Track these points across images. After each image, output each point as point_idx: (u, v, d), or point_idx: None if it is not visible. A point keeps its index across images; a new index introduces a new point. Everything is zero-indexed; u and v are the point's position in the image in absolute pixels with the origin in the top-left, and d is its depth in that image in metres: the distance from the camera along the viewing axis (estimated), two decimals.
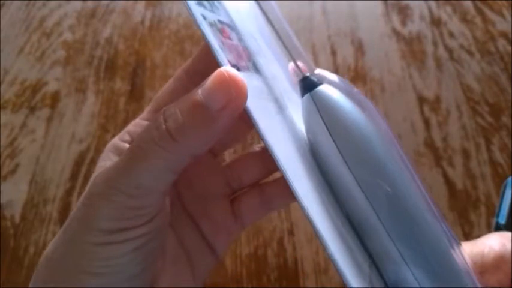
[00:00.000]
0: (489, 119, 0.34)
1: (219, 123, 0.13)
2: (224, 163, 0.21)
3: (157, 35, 0.41)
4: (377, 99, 0.36)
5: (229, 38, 0.16)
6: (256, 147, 0.21)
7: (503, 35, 0.39)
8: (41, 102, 0.37)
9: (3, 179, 0.33)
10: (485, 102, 0.35)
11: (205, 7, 0.15)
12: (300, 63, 0.17)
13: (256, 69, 0.17)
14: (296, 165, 0.14)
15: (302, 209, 0.13)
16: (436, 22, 0.41)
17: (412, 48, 0.39)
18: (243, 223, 0.20)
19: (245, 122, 0.15)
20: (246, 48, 0.17)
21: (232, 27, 0.17)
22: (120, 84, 0.37)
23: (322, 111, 0.15)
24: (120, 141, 0.17)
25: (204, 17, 0.15)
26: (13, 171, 0.33)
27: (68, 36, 0.41)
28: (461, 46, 0.39)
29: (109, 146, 0.17)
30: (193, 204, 0.19)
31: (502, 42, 0.39)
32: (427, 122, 0.34)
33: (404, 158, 0.15)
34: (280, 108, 0.17)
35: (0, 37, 0.41)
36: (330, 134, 0.15)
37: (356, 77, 0.37)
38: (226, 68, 0.13)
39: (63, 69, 0.39)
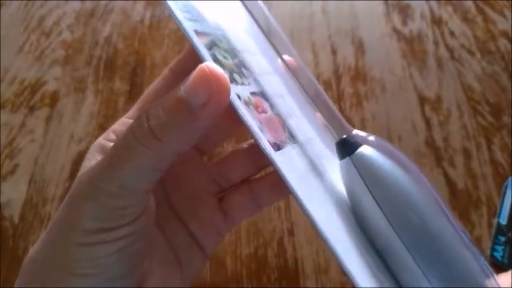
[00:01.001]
0: (490, 118, 0.34)
1: (202, 119, 0.13)
2: (212, 161, 0.21)
3: (157, 35, 0.41)
4: (377, 99, 0.36)
5: (264, 111, 0.16)
6: (244, 144, 0.21)
7: (504, 34, 0.39)
8: (40, 102, 0.36)
9: (3, 179, 0.32)
10: (486, 101, 0.35)
11: (237, 82, 0.15)
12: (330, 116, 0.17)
13: (292, 137, 0.17)
14: (337, 230, 0.14)
15: (347, 275, 0.13)
16: (436, 21, 0.41)
17: (412, 48, 0.39)
18: (233, 221, 0.20)
19: (231, 120, 0.15)
20: (278, 115, 0.17)
21: (263, 92, 0.17)
22: (120, 84, 0.37)
23: (363, 175, 0.15)
24: (106, 140, 0.17)
25: (239, 97, 0.15)
26: (12, 171, 0.33)
27: (67, 35, 0.41)
28: (462, 46, 0.39)
29: (94, 145, 0.17)
30: (181, 204, 0.19)
31: (503, 42, 0.39)
32: (427, 122, 0.34)
33: (448, 214, 0.15)
34: (317, 171, 0.17)
35: None
36: (374, 198, 0.15)
37: (356, 76, 0.37)
38: (207, 63, 0.13)
39: (62, 69, 0.39)
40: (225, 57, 0.16)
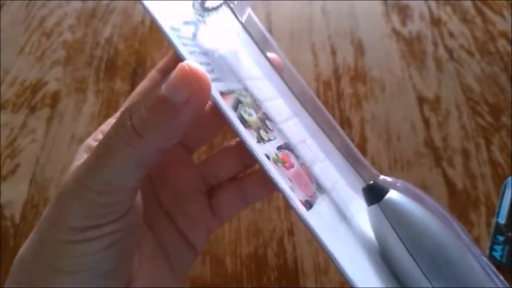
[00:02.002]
0: (489, 119, 0.34)
1: (183, 117, 0.13)
2: (200, 159, 0.21)
3: (158, 35, 0.41)
4: (377, 99, 0.36)
5: (291, 166, 0.16)
6: (232, 142, 0.21)
7: (503, 35, 0.39)
8: (41, 102, 0.37)
9: (3, 179, 0.33)
10: (485, 102, 0.35)
11: (263, 140, 0.16)
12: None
13: (319, 187, 0.17)
14: (365, 274, 0.15)
15: None
16: (436, 22, 0.41)
17: (412, 48, 0.39)
18: (222, 218, 0.20)
19: (218, 117, 0.15)
20: (304, 165, 0.17)
21: (287, 143, 0.18)
22: (120, 84, 0.38)
23: (392, 221, 0.15)
24: (94, 141, 0.17)
25: (268, 157, 0.15)
26: (13, 171, 0.33)
27: (68, 36, 0.41)
28: (461, 46, 0.39)
29: (83, 146, 0.17)
30: (169, 201, 0.19)
31: (502, 42, 0.39)
32: (427, 122, 0.34)
33: (476, 254, 0.16)
34: (345, 217, 0.17)
35: (0, 37, 0.41)
36: (403, 243, 0.15)
37: (356, 76, 0.37)
38: (188, 62, 0.13)
39: (63, 69, 0.39)
40: (250, 114, 0.16)
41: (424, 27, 0.40)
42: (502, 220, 0.29)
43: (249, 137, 0.15)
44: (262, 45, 0.19)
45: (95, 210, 0.14)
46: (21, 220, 0.31)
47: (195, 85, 0.13)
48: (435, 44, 0.39)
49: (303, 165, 0.17)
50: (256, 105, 0.17)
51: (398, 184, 0.17)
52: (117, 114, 0.18)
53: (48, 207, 0.15)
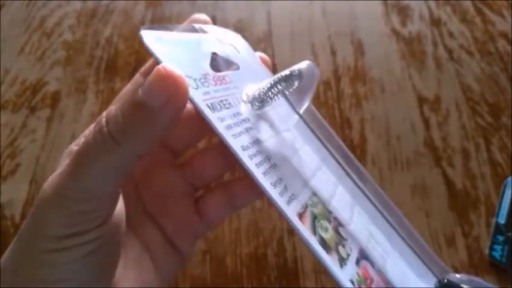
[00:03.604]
0: (489, 119, 0.34)
1: (161, 121, 0.13)
2: (182, 160, 0.21)
3: None
4: (377, 99, 0.36)
5: (371, 280, 0.17)
6: (215, 142, 0.21)
7: (503, 35, 0.39)
8: (41, 102, 0.37)
9: (4, 179, 0.33)
10: (485, 102, 0.35)
11: (344, 260, 0.16)
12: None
13: None
14: None
15: None
16: (435, 22, 0.41)
17: (411, 49, 0.39)
18: (209, 222, 0.20)
19: (202, 121, 0.15)
20: (380, 271, 0.18)
21: (362, 250, 0.18)
22: (121, 85, 0.38)
23: None
24: (76, 146, 0.16)
25: (353, 282, 0.15)
26: (13, 171, 0.33)
27: (68, 36, 0.41)
28: (461, 46, 0.39)
29: (66, 151, 0.17)
30: (155, 206, 0.19)
31: (501, 43, 0.39)
32: (426, 122, 0.35)
33: None
34: None
35: (0, 37, 0.41)
36: None
37: (356, 77, 0.37)
38: (164, 65, 0.13)
39: (63, 69, 0.39)
40: (326, 229, 0.16)
41: (424, 28, 0.40)
42: (502, 220, 0.29)
43: (334, 267, 0.15)
44: (315, 129, 0.19)
45: (75, 218, 0.14)
46: (21, 220, 0.31)
47: (172, 88, 0.13)
48: (435, 44, 0.39)
49: (378, 271, 0.18)
50: (327, 210, 0.17)
51: (468, 279, 0.17)
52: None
53: (28, 216, 0.14)
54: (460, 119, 0.35)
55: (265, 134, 0.17)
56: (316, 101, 0.36)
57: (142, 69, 0.19)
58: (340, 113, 0.35)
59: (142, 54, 0.39)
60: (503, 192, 0.30)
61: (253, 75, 0.19)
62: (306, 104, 0.18)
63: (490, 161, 0.32)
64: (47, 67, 0.39)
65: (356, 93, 0.36)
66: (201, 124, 0.18)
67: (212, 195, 0.20)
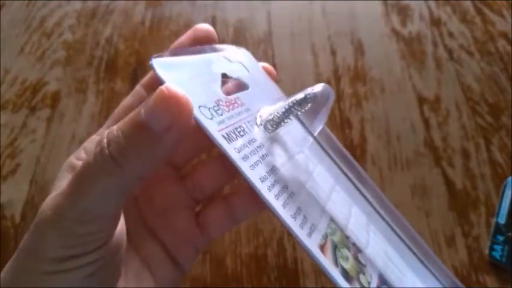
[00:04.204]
0: (489, 119, 0.34)
1: (164, 144, 0.13)
2: (183, 172, 0.20)
3: (158, 36, 0.41)
4: (377, 99, 0.36)
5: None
6: (215, 154, 0.20)
7: (503, 35, 0.39)
8: (41, 102, 0.37)
9: (4, 179, 0.33)
10: (485, 102, 0.35)
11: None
12: None
13: None
14: None
15: None
16: (435, 22, 0.41)
17: (411, 49, 0.39)
18: (210, 235, 0.20)
19: (203, 134, 0.14)
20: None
21: (381, 276, 0.18)
22: (121, 85, 0.38)
23: None
24: (76, 159, 0.16)
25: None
26: (13, 171, 0.33)
27: (68, 36, 0.41)
28: (461, 46, 0.39)
29: (65, 164, 0.16)
30: (155, 220, 0.19)
31: (501, 43, 0.39)
32: (426, 122, 0.35)
33: None
34: None
35: (0, 37, 0.41)
36: None
37: (356, 77, 0.37)
38: (167, 85, 0.13)
39: (63, 70, 0.39)
40: (346, 258, 0.16)
41: (424, 28, 0.40)
42: (502, 220, 0.29)
43: None
44: (324, 145, 0.19)
45: (74, 240, 0.13)
46: (21, 220, 0.31)
47: (176, 111, 0.12)
48: (435, 44, 0.39)
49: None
50: (345, 236, 0.17)
51: None
52: (101, 131, 0.18)
53: (26, 236, 0.14)
54: (460, 119, 0.35)
55: (280, 158, 0.17)
56: None
57: (144, 80, 0.18)
58: (340, 113, 0.35)
59: (143, 54, 0.39)
60: (503, 192, 0.30)
61: (262, 93, 0.19)
62: (320, 127, 0.18)
63: (490, 161, 0.32)
64: (47, 67, 0.39)
65: (356, 93, 0.36)
66: (202, 137, 0.18)
67: (213, 208, 0.20)
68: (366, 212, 0.20)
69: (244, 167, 0.14)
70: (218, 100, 0.16)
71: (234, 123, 0.16)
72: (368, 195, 0.19)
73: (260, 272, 0.28)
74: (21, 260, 0.14)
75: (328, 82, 0.37)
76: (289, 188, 0.16)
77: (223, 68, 0.18)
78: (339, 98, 0.36)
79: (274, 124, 0.17)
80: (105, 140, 0.13)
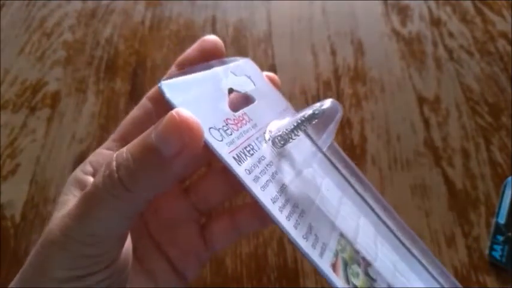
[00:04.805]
0: (489, 119, 0.34)
1: (174, 169, 0.13)
2: (187, 185, 0.20)
3: (158, 36, 0.41)
4: (377, 99, 0.36)
5: None
6: (219, 166, 0.20)
7: (503, 35, 0.39)
8: (41, 102, 0.37)
9: (4, 179, 0.33)
10: (485, 102, 0.35)
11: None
12: None
13: None
14: None
15: None
16: (435, 22, 0.41)
17: (411, 49, 0.39)
18: (214, 248, 0.20)
19: (208, 149, 0.15)
20: None
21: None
22: (121, 85, 0.38)
23: None
24: (82, 173, 0.16)
25: None
26: (13, 171, 0.33)
27: (68, 36, 0.41)
28: (461, 46, 0.39)
29: (71, 178, 0.16)
30: (160, 232, 0.19)
31: (501, 43, 0.39)
32: (426, 122, 0.35)
33: None
34: None
35: (0, 37, 0.41)
36: None
37: (356, 77, 0.37)
38: (178, 110, 0.12)
39: (63, 70, 0.39)
40: (357, 274, 0.16)
41: (424, 28, 0.40)
42: (502, 220, 0.29)
43: None
44: (330, 156, 0.20)
45: (81, 262, 0.13)
46: (21, 220, 0.31)
47: (187, 136, 0.12)
48: (435, 44, 0.39)
49: None
50: (354, 250, 0.18)
51: None
52: (107, 144, 0.17)
53: (33, 253, 0.14)
54: (460, 119, 0.35)
55: (289, 175, 0.17)
56: (316, 101, 0.36)
57: (150, 93, 0.18)
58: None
59: (143, 54, 0.39)
60: (503, 192, 0.30)
61: (268, 105, 0.20)
62: (329, 142, 0.18)
63: (490, 161, 0.32)
64: (47, 67, 0.39)
65: (356, 93, 0.36)
66: (206, 150, 0.18)
67: (218, 222, 0.20)
68: (373, 223, 0.20)
69: (256, 189, 0.15)
70: (227, 119, 0.16)
71: (243, 142, 0.16)
72: (374, 206, 0.20)
73: (260, 272, 0.28)
74: (27, 279, 0.14)
75: (328, 82, 0.37)
76: (299, 206, 0.16)
77: (230, 82, 0.18)
78: (339, 98, 0.36)
79: (282, 140, 0.17)
80: (114, 163, 0.13)
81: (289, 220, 0.15)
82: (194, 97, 0.15)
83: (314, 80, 0.37)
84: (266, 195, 0.15)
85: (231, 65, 0.19)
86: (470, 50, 0.38)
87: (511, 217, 0.29)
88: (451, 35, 0.40)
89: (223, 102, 0.17)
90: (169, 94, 0.14)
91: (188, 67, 0.18)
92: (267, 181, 0.16)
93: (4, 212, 0.31)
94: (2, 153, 0.34)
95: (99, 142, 0.34)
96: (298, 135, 0.17)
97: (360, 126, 0.34)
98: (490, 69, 0.37)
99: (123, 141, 0.17)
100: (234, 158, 0.15)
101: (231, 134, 0.15)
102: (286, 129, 0.17)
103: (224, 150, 0.15)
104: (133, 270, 0.17)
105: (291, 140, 0.17)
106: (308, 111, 0.17)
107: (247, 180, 0.15)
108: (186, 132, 0.12)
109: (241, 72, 0.19)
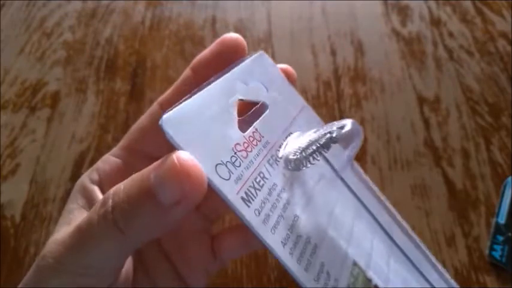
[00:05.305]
0: (489, 119, 0.34)
1: (172, 217, 0.12)
2: None
3: (158, 35, 0.41)
4: (377, 99, 0.36)
5: None
6: None
7: (503, 35, 0.39)
8: (41, 102, 0.37)
9: (4, 179, 0.33)
10: (485, 102, 0.35)
11: None
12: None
13: None
14: None
15: None
16: (435, 22, 0.41)
17: (411, 49, 0.39)
18: (223, 261, 0.20)
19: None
20: None
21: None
22: (121, 85, 0.38)
23: None
24: (89, 180, 0.16)
25: None
26: (13, 171, 0.33)
27: (68, 36, 0.41)
28: (461, 46, 0.39)
29: (78, 185, 0.16)
30: (168, 239, 0.19)
31: (501, 43, 0.39)
32: (426, 122, 0.35)
33: None
34: None
35: (0, 37, 0.41)
36: None
37: (356, 77, 0.37)
38: (180, 155, 0.11)
39: (63, 70, 0.39)
40: None
41: (424, 28, 0.40)
42: (502, 220, 0.29)
43: None
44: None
45: (75, 286, 0.13)
46: (21, 220, 0.31)
47: (187, 186, 0.11)
48: (435, 44, 0.39)
49: None
50: (367, 279, 0.17)
51: None
52: (115, 151, 0.17)
53: (31, 271, 0.14)
54: (460, 119, 0.35)
55: (301, 200, 0.16)
56: (316, 101, 0.36)
57: (160, 98, 0.17)
58: (340, 113, 0.35)
59: (143, 54, 0.39)
60: (503, 192, 0.30)
61: (281, 113, 0.18)
62: (348, 167, 0.17)
63: (490, 161, 0.32)
64: (47, 67, 0.39)
65: (356, 93, 0.36)
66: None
67: (229, 234, 0.20)
68: (384, 243, 0.20)
69: (265, 233, 0.14)
70: (236, 145, 0.14)
71: (253, 172, 0.15)
72: (386, 224, 0.19)
73: (260, 272, 0.28)
74: None
75: (328, 82, 0.37)
76: (311, 241, 0.15)
77: (239, 93, 0.16)
78: (339, 98, 0.36)
79: (300, 165, 0.16)
80: (110, 202, 0.13)
81: (300, 263, 0.14)
82: (199, 127, 0.13)
83: (314, 80, 0.37)
84: (276, 239, 0.14)
85: (241, 67, 0.17)
86: (470, 50, 0.38)
87: (511, 217, 0.29)
88: (451, 35, 0.40)
89: (231, 123, 0.15)
90: (171, 132, 0.12)
91: (204, 69, 0.16)
92: (277, 219, 0.15)
93: (4, 212, 0.31)
94: (2, 153, 0.34)
95: (99, 142, 0.34)
96: (318, 160, 0.16)
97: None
98: (490, 69, 0.37)
99: (131, 150, 0.17)
100: (242, 198, 0.14)
101: (240, 166, 0.14)
102: (303, 153, 0.16)
103: (232, 190, 0.13)
104: (138, 277, 0.17)
105: (308, 165, 0.16)
106: (327, 134, 0.16)
107: (256, 223, 0.14)
108: (186, 181, 0.11)
109: (251, 77, 0.17)
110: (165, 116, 0.13)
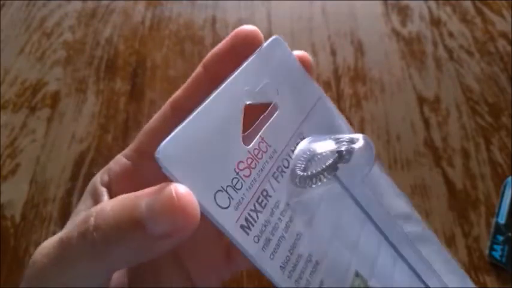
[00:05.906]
0: (489, 119, 0.34)
1: (158, 248, 0.11)
2: None
3: (158, 35, 0.41)
4: (377, 99, 0.36)
5: None
6: None
7: (503, 35, 0.39)
8: (41, 102, 0.37)
9: (4, 179, 0.33)
10: (485, 102, 0.35)
11: None
12: None
13: None
14: None
15: None
16: (435, 22, 0.41)
17: (411, 49, 0.39)
18: (237, 267, 0.19)
19: None
20: None
21: None
22: (121, 85, 0.38)
23: None
24: (100, 182, 0.16)
25: None
26: (13, 171, 0.33)
27: (68, 36, 0.41)
28: (461, 46, 0.39)
29: (90, 185, 0.16)
30: (185, 247, 0.18)
31: (501, 43, 0.39)
32: (426, 122, 0.35)
33: None
34: None
35: (0, 37, 0.41)
36: None
37: (356, 77, 0.37)
38: (178, 188, 0.11)
39: (63, 70, 0.39)
40: None
41: (424, 28, 0.40)
42: (502, 220, 0.29)
43: None
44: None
45: None
46: (21, 220, 0.31)
47: (180, 222, 0.11)
48: (435, 44, 0.39)
49: None
50: None
51: None
52: (126, 152, 0.17)
53: (24, 279, 0.14)
54: (460, 119, 0.35)
55: (305, 216, 0.15)
56: None
57: (173, 97, 0.16)
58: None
59: (143, 54, 0.39)
60: (503, 192, 0.30)
61: (295, 107, 0.16)
62: (360, 184, 0.17)
63: (490, 161, 0.32)
64: (47, 67, 0.39)
65: (356, 93, 0.36)
66: None
67: None
68: (389, 253, 0.19)
69: (264, 260, 0.13)
70: (238, 163, 0.13)
71: (255, 192, 0.13)
72: (394, 239, 0.19)
73: (260, 272, 0.28)
74: None
75: (328, 82, 0.37)
76: (312, 259, 0.15)
77: (246, 98, 0.14)
78: (339, 98, 0.36)
79: (309, 181, 0.15)
80: (92, 220, 0.12)
81: (298, 285, 0.14)
82: (198, 154, 0.12)
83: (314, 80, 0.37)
84: (274, 265, 0.13)
85: (246, 67, 0.15)
86: (470, 50, 0.38)
87: (511, 217, 0.29)
88: (451, 35, 0.40)
89: (235, 138, 0.13)
90: (166, 165, 0.11)
91: (216, 65, 0.15)
92: (278, 240, 0.14)
93: (4, 212, 0.31)
94: (2, 153, 0.34)
95: (99, 142, 0.34)
96: (329, 178, 0.15)
97: (360, 126, 0.34)
98: (490, 69, 0.37)
99: (141, 152, 0.17)
100: (242, 226, 0.13)
101: (241, 188, 0.13)
102: (313, 171, 0.15)
103: (231, 220, 0.12)
104: (145, 278, 0.16)
105: (319, 183, 0.15)
106: (336, 154, 0.15)
107: (255, 252, 0.13)
108: (181, 215, 0.11)
109: (259, 75, 0.15)
110: (160, 147, 0.11)
